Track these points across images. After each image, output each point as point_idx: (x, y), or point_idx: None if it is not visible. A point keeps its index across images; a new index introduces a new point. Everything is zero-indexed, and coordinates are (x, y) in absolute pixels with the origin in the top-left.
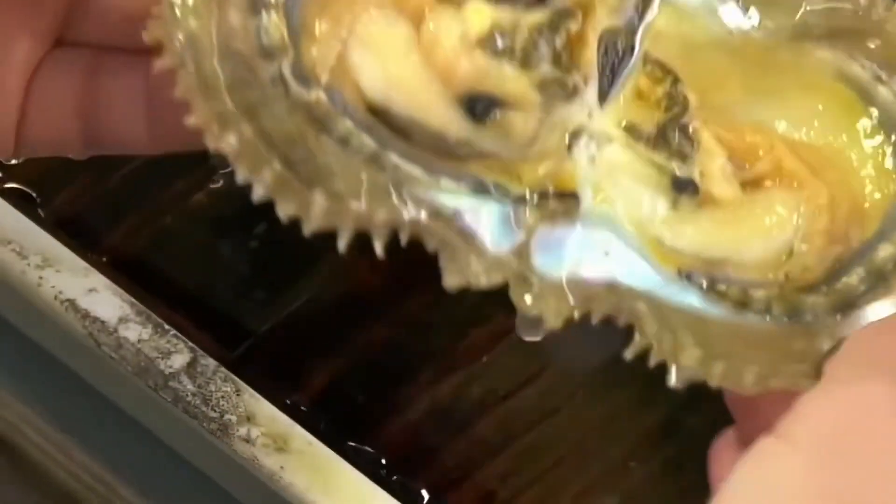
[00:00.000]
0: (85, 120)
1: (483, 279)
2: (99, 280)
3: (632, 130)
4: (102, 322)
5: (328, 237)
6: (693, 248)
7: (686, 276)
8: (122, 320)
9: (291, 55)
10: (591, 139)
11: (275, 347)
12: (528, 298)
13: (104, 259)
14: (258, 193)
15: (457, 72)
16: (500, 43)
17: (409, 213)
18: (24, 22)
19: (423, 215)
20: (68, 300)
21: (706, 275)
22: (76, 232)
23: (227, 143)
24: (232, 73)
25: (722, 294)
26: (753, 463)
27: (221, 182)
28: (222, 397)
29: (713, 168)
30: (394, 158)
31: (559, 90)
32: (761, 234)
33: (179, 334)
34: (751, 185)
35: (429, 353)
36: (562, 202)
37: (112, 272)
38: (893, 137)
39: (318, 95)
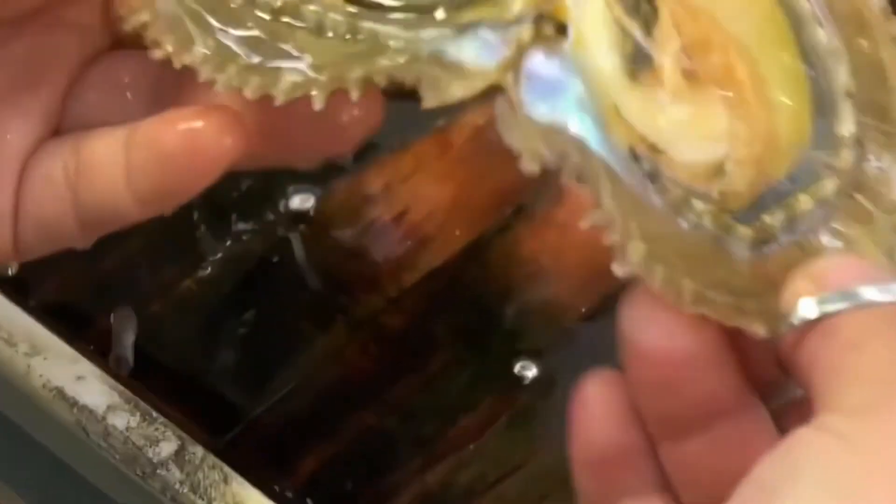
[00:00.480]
0: (75, 195)
1: (460, 91)
2: (87, 368)
3: None
4: (90, 410)
5: (316, 322)
6: (638, 127)
7: (635, 157)
8: (111, 408)
9: None
10: None
11: (263, 433)
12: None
13: (92, 347)
14: (219, 85)
15: None
16: None
17: (387, 62)
18: (18, 110)
19: (402, 60)
20: (56, 388)
21: (651, 162)
22: (64, 319)
23: (196, 52)
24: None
25: (664, 190)
26: (804, 458)
27: (210, 269)
28: (210, 485)
29: (667, 50)
30: (369, 23)
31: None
32: (694, 134)
33: (168, 422)
34: (698, 81)
35: (417, 439)
36: (553, 31)
37: (100, 360)
38: (813, 75)
39: None
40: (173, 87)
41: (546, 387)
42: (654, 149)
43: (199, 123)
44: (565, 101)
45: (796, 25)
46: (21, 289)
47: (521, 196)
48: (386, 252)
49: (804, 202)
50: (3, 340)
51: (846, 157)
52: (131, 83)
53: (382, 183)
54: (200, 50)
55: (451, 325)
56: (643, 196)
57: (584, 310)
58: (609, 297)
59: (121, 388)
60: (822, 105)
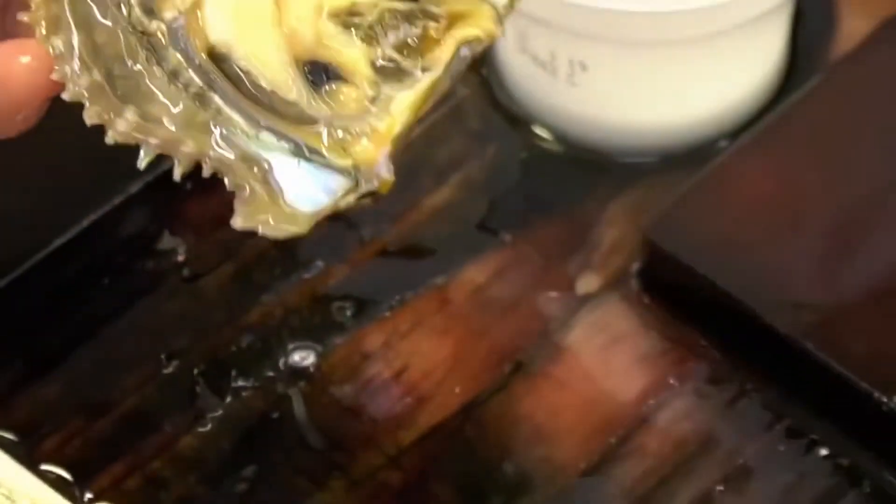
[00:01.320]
0: None
1: (272, 230)
2: None
3: None
4: None
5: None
6: None
7: None
8: None
9: None
10: None
11: None
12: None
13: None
14: (68, 93)
15: (302, 36)
16: (354, 20)
17: (217, 150)
18: None
19: (232, 157)
20: None
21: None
22: (65, 476)
23: (52, 43)
24: None
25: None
26: None
27: (209, 425)
28: None
29: None
30: (218, 100)
31: (393, 72)
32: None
33: None
34: None
35: None
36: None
37: None
38: None
39: (158, 26)
40: None
41: None
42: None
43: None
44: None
45: None
46: (22, 446)
47: (518, 353)
48: (385, 410)
49: None
50: (3, 497)
51: None
52: None
53: (382, 340)
54: (59, 42)
55: (450, 484)
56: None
57: (582, 467)
58: (607, 454)
59: None
60: None
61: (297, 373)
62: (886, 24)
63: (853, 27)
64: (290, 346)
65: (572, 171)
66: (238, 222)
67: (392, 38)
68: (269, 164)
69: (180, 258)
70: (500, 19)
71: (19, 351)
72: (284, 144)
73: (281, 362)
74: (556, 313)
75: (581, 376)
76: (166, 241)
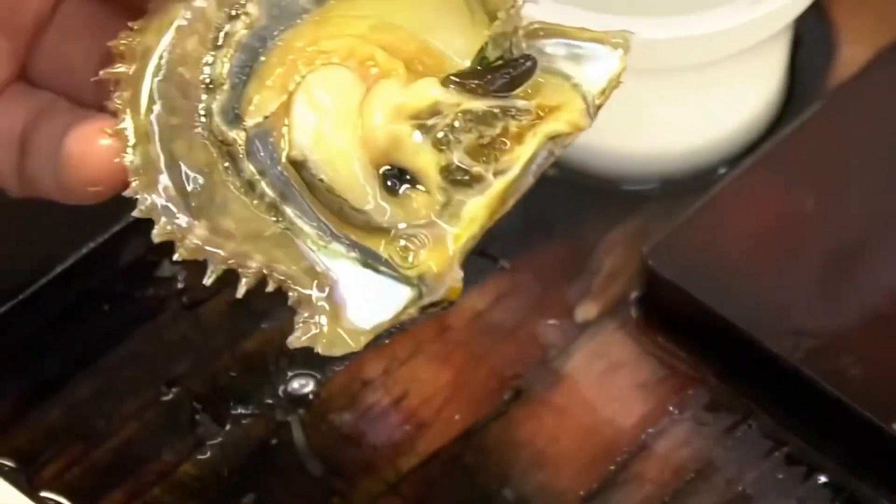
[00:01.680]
0: (21, 155)
1: (329, 349)
2: None
3: None
4: None
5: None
6: None
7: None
8: None
9: (227, 92)
10: None
11: None
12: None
13: None
14: (140, 208)
15: (379, 139)
16: (430, 121)
17: (283, 265)
18: None
19: (298, 271)
20: None
21: None
22: None
23: (129, 157)
24: (166, 93)
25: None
26: None
27: (209, 453)
28: None
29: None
30: (290, 211)
31: (463, 178)
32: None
33: None
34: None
35: None
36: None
37: None
38: None
39: (238, 135)
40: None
41: None
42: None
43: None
44: None
45: None
46: (22, 473)
47: (518, 380)
48: (384, 436)
49: None
50: None
51: None
52: (89, 29)
53: (381, 367)
54: (137, 156)
55: None
56: None
57: (582, 493)
58: (607, 481)
59: None
60: None
61: (297, 400)
62: (884, 51)
63: (852, 54)
64: (290, 374)
65: (572, 197)
66: (295, 342)
67: (466, 140)
68: (336, 277)
69: (180, 285)
70: (589, 112)
71: (19, 377)
72: (353, 254)
73: (280, 389)
74: (556, 340)
75: (580, 403)
76: (166, 269)
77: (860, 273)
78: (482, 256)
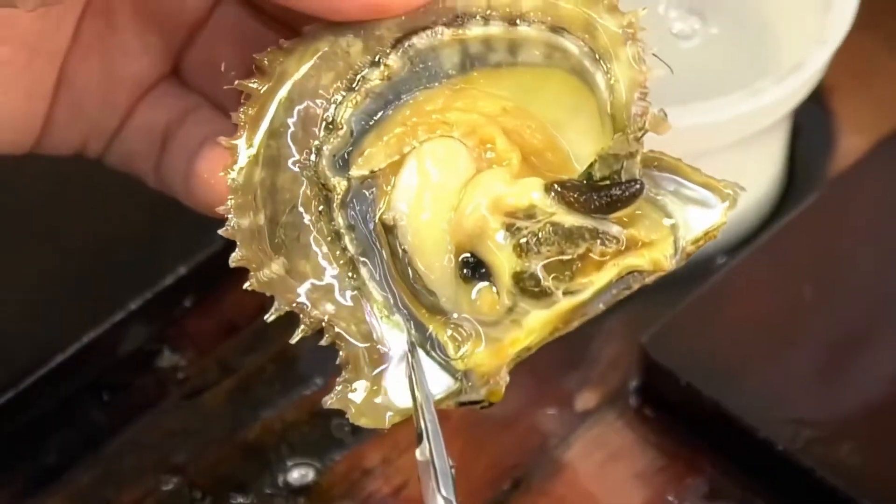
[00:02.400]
0: (162, 151)
1: (357, 418)
2: None
3: None
4: None
5: None
6: None
7: None
8: None
9: (343, 137)
10: None
11: None
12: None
13: None
14: (227, 228)
15: (468, 226)
16: (520, 223)
17: (345, 324)
18: (143, 42)
19: (356, 334)
20: None
21: None
22: None
23: (232, 175)
24: (287, 121)
25: None
26: None
27: None
28: None
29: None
30: (365, 272)
31: (533, 288)
32: None
33: None
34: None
35: None
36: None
37: None
38: None
39: (339, 183)
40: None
41: None
42: None
43: None
44: None
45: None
46: None
47: (517, 469)
48: None
49: None
50: None
51: None
52: (242, 36)
53: (381, 456)
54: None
55: None
56: None
57: None
58: None
59: None
60: None
61: (297, 490)
62: (883, 141)
63: (851, 144)
64: (290, 463)
65: None
66: (331, 402)
67: (548, 252)
68: (388, 349)
69: (180, 374)
70: (675, 256)
71: (20, 466)
72: (413, 331)
73: (280, 479)
74: (555, 429)
75: (580, 493)
76: (166, 358)
77: (858, 363)
78: None
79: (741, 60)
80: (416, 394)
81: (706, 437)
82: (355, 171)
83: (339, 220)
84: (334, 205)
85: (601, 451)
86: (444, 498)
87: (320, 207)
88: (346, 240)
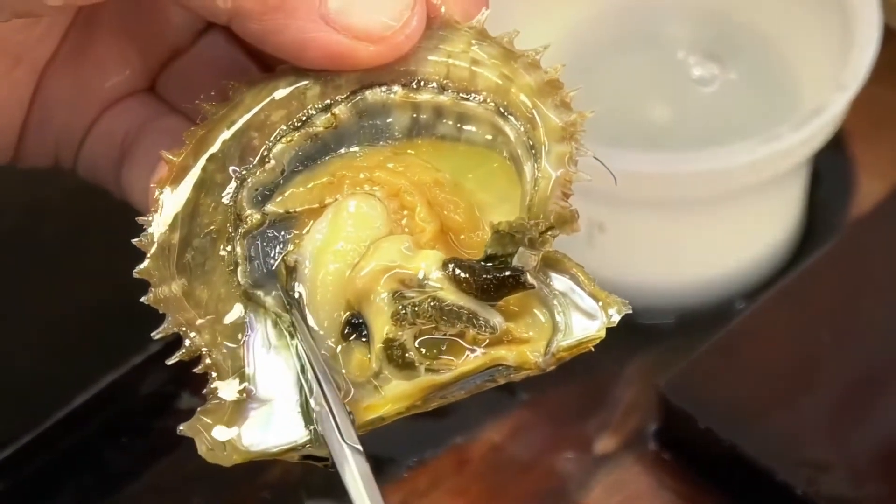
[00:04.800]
0: (122, 162)
1: (202, 449)
2: None
3: None
4: None
5: None
6: None
7: None
8: None
9: (271, 172)
10: None
11: None
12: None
13: None
14: (141, 238)
15: (359, 285)
16: (408, 292)
17: (221, 358)
18: (123, 57)
19: (229, 366)
20: None
21: None
22: None
23: (159, 190)
24: (228, 149)
25: None
26: None
27: None
28: None
29: None
30: (263, 298)
31: (399, 358)
32: None
33: None
34: None
35: None
36: None
37: None
38: None
39: (252, 216)
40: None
41: None
42: None
43: None
44: None
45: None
46: None
47: None
48: None
49: None
50: None
51: None
52: (220, 65)
53: (399, 500)
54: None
55: None
56: None
57: None
58: None
59: None
60: None
61: None
62: None
63: (870, 189)
64: (305, 501)
65: None
66: (183, 428)
67: (421, 324)
68: (256, 389)
69: None
70: (545, 360)
71: None
72: (297, 371)
73: None
74: (574, 473)
75: None
76: (185, 401)
77: (876, 407)
78: (500, 389)
79: (760, 106)
80: (301, 345)
81: (724, 481)
82: (270, 207)
83: (238, 250)
84: (240, 234)
85: (620, 495)
86: (349, 445)
87: (235, 237)
88: (240, 270)
